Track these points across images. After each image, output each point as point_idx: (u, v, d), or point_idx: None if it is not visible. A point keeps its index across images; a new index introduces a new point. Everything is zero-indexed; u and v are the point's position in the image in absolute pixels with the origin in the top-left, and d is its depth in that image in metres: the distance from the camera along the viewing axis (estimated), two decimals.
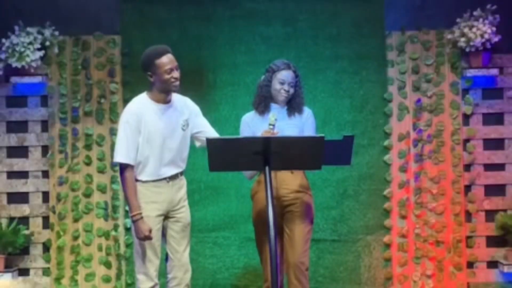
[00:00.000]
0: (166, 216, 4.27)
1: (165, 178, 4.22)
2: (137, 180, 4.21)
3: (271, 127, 4.13)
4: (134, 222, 4.14)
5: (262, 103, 4.40)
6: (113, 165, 5.60)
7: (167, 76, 4.12)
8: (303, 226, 4.32)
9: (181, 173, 4.31)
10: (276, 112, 4.25)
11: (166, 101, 4.22)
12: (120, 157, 4.16)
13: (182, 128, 4.25)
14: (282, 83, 4.34)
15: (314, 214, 4.43)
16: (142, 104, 4.20)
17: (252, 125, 4.39)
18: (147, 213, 4.17)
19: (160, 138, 4.17)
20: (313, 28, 5.81)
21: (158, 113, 4.19)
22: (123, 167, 4.17)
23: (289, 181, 4.31)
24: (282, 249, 4.35)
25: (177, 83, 4.16)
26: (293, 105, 4.39)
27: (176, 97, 4.31)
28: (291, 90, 4.36)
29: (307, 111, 4.44)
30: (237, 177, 5.62)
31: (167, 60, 4.13)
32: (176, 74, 4.15)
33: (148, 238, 4.13)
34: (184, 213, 4.32)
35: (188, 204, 4.36)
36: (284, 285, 4.39)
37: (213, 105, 5.69)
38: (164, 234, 4.29)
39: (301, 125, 4.38)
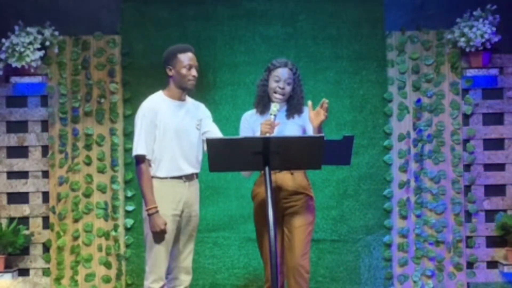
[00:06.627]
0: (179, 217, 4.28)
1: (181, 177, 4.23)
2: (154, 177, 4.22)
3: (272, 117, 4.15)
4: (149, 215, 4.16)
5: (261, 103, 4.39)
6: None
7: (185, 72, 4.23)
8: (303, 229, 4.28)
9: (196, 175, 4.34)
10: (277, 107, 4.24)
11: (181, 99, 4.30)
12: (138, 149, 4.19)
13: (196, 127, 4.31)
14: (277, 81, 4.31)
15: (315, 216, 4.42)
16: (157, 100, 4.28)
17: (252, 123, 4.39)
18: (163, 212, 4.18)
19: (176, 132, 4.22)
20: (313, 28, 5.81)
21: (173, 108, 4.25)
22: (140, 160, 4.20)
23: (289, 182, 4.29)
24: (283, 251, 4.31)
25: (194, 82, 4.27)
26: (292, 105, 4.36)
27: (190, 99, 4.40)
28: (287, 88, 4.32)
29: (306, 111, 4.42)
30: (237, 177, 5.62)
31: (189, 56, 4.26)
32: (194, 72, 4.26)
33: (164, 232, 4.14)
34: (195, 217, 4.34)
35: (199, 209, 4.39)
36: (285, 287, 4.38)
37: (213, 105, 5.68)
38: None
39: (302, 125, 4.36)
